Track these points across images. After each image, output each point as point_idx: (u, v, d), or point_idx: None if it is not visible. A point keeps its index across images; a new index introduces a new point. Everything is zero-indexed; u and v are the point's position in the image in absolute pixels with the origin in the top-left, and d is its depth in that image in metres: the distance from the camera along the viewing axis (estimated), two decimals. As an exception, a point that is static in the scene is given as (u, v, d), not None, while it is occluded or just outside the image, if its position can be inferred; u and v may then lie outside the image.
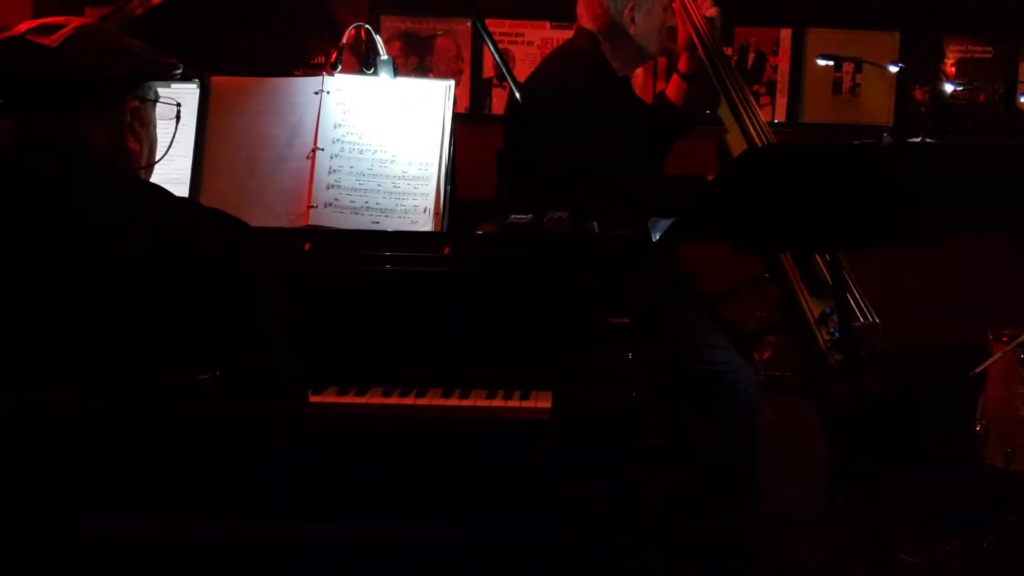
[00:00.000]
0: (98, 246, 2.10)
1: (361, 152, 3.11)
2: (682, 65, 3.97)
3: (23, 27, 2.20)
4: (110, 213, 2.15)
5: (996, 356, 4.26)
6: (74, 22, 2.22)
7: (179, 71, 2.41)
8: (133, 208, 2.18)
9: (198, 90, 3.11)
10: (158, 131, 2.45)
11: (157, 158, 2.46)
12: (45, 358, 2.04)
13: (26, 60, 2.17)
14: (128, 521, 2.07)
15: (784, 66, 5.61)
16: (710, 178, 3.59)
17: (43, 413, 2.00)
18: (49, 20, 2.22)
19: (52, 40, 2.16)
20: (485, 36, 3.41)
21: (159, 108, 2.43)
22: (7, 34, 2.21)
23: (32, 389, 2.00)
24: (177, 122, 2.57)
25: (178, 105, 2.58)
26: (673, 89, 4.04)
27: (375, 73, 3.30)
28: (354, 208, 3.07)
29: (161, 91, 2.42)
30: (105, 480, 2.04)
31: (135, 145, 2.31)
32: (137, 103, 2.31)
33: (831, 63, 5.45)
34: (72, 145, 2.19)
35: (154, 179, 2.46)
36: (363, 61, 3.41)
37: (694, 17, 3.88)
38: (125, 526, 2.07)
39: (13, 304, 2.05)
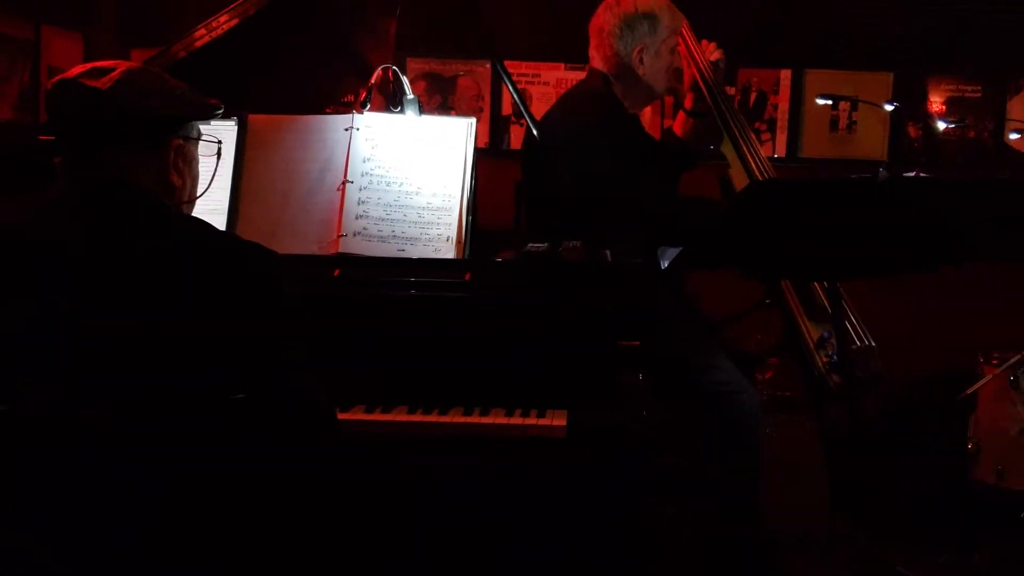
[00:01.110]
0: (141, 275, 2.10)
1: (388, 184, 3.12)
2: (688, 103, 3.98)
3: (76, 70, 2.20)
4: (153, 244, 2.15)
5: (987, 378, 4.26)
6: (123, 66, 2.22)
7: (220, 111, 2.41)
8: (174, 240, 2.19)
9: (236, 127, 3.13)
10: (200, 166, 2.47)
11: (199, 192, 2.46)
12: (89, 376, 2.05)
13: (78, 101, 2.17)
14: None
15: (784, 105, 5.63)
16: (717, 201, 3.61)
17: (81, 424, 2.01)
18: (100, 64, 2.22)
19: (102, 82, 2.16)
20: (504, 76, 3.43)
21: (202, 145, 2.45)
22: (61, 76, 2.22)
23: (81, 402, 2.01)
24: (218, 159, 2.59)
25: (219, 143, 2.60)
26: (680, 126, 4.05)
27: (402, 111, 3.31)
28: (381, 237, 3.09)
29: (203, 129, 2.44)
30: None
31: (178, 181, 2.31)
32: (181, 141, 2.31)
33: (829, 102, 5.48)
34: (119, 180, 2.19)
35: (196, 209, 2.47)
36: (390, 100, 3.43)
37: (698, 60, 3.90)
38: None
39: (63, 326, 2.06)
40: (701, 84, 3.89)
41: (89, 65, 2.23)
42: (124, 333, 2.06)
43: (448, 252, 3.08)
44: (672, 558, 3.59)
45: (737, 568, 3.67)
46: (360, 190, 3.11)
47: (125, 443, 2.01)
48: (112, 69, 2.20)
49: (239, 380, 2.14)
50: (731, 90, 4.93)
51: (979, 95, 5.62)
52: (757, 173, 3.81)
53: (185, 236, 2.22)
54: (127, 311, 2.07)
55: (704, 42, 3.92)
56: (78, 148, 2.22)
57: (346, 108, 3.47)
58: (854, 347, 3.70)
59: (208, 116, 2.40)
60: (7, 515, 2.03)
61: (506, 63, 3.50)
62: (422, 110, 3.32)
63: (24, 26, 4.81)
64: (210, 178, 2.51)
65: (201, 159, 2.45)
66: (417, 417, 2.81)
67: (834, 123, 5.65)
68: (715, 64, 3.89)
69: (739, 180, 3.84)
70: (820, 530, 4.67)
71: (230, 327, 2.14)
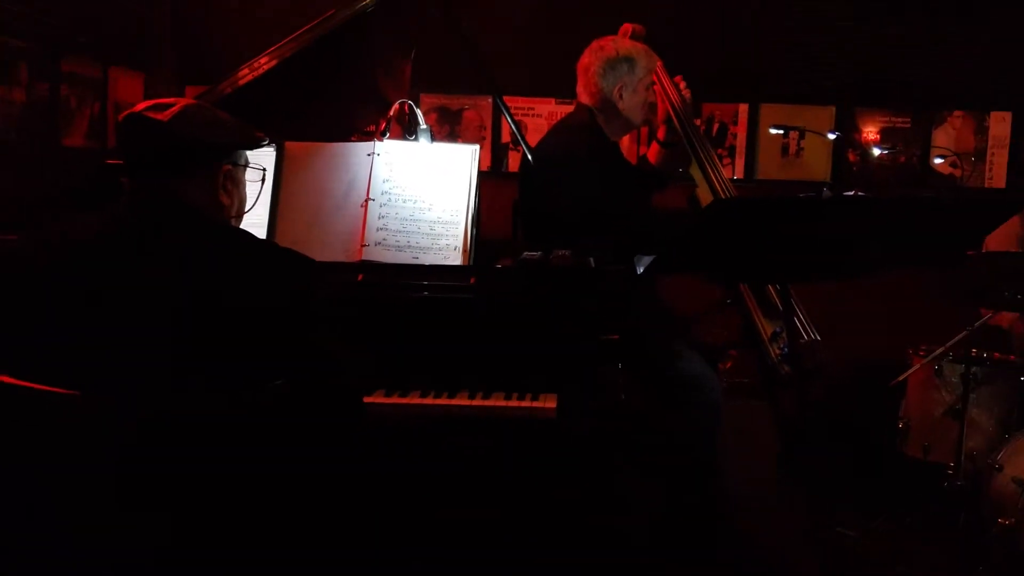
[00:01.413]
0: (192, 277, 2.10)
1: (404, 202, 3.12)
2: (660, 134, 3.99)
3: (141, 105, 2.22)
4: (205, 253, 2.16)
5: (915, 367, 4.26)
6: (181, 102, 2.23)
7: (265, 142, 2.42)
8: (223, 249, 2.19)
9: (274, 152, 3.13)
10: (248, 188, 2.47)
11: (246, 209, 2.47)
12: (149, 368, 2.04)
13: (143, 131, 2.19)
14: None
15: (742, 134, 5.62)
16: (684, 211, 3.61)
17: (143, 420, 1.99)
18: (162, 100, 2.24)
19: (164, 115, 2.18)
20: (504, 110, 3.43)
21: (249, 171, 2.45)
22: (129, 111, 2.23)
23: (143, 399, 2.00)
24: (263, 184, 2.59)
25: (263, 170, 2.61)
26: (653, 153, 4.06)
27: (416, 139, 3.31)
28: (398, 246, 3.08)
29: (250, 156, 2.44)
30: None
31: (227, 200, 2.32)
32: (230, 167, 2.32)
33: (781, 131, 5.47)
34: (175, 200, 2.20)
35: (242, 223, 2.48)
36: (406, 129, 3.42)
37: (671, 95, 3.90)
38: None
39: (122, 324, 2.05)
40: (673, 116, 3.90)
41: (153, 101, 2.25)
42: (181, 327, 2.05)
43: (455, 259, 3.08)
44: (642, 518, 3.58)
45: (698, 526, 3.67)
46: (380, 206, 3.11)
47: (184, 428, 1.99)
48: (172, 104, 2.22)
49: (280, 367, 2.13)
50: (697, 121, 4.91)
51: (908, 125, 5.61)
52: (720, 192, 3.81)
53: (233, 243, 2.23)
54: (183, 308, 2.06)
55: (677, 77, 3.93)
56: (143, 171, 2.23)
57: (368, 136, 3.47)
58: (802, 341, 3.71)
59: (254, 146, 2.41)
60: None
61: (505, 98, 3.49)
62: (433, 138, 3.32)
63: (94, 67, 4.81)
64: (255, 199, 2.51)
65: (248, 183, 2.46)
66: (429, 400, 2.82)
67: (785, 149, 5.64)
68: (684, 100, 3.90)
69: (705, 198, 3.85)
70: (771, 496, 4.67)
71: (273, 319, 2.13)
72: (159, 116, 2.18)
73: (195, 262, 2.13)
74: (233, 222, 2.39)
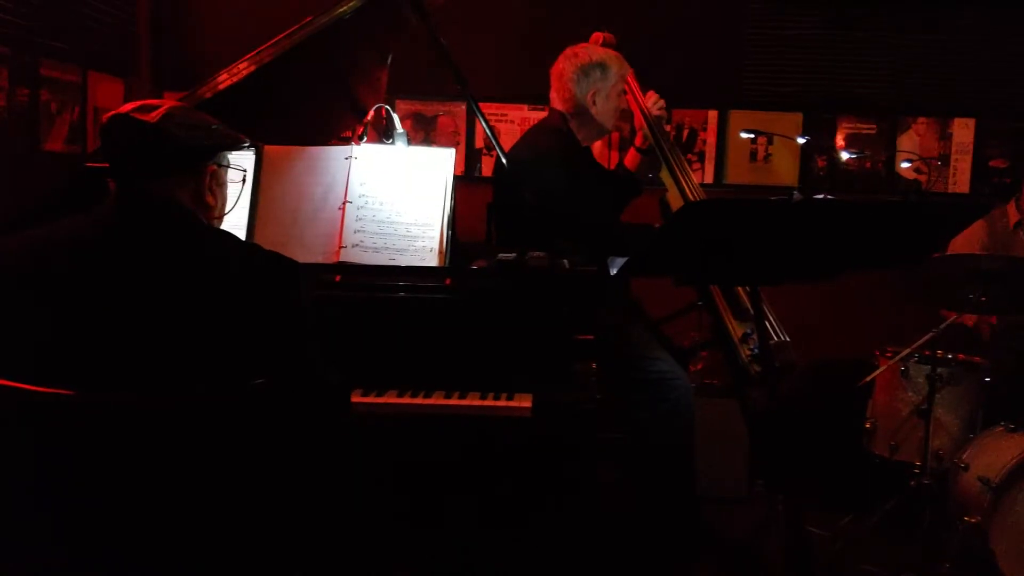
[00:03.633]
0: (181, 278, 2.10)
1: (381, 204, 3.12)
2: (638, 141, 4.02)
3: (128, 107, 2.21)
4: (192, 253, 2.16)
5: (882, 368, 4.29)
6: (168, 103, 2.23)
7: (247, 144, 2.42)
8: (210, 249, 2.19)
9: (253, 155, 3.12)
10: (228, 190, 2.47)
11: (227, 210, 2.46)
12: (135, 368, 2.04)
13: (130, 132, 2.18)
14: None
15: (711, 139, 5.65)
16: (657, 226, 3.62)
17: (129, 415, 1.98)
18: (149, 101, 2.23)
19: (151, 117, 2.17)
20: (479, 114, 3.42)
21: (229, 172, 2.45)
22: (116, 111, 2.22)
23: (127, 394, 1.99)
24: (243, 185, 2.59)
25: (244, 171, 2.60)
26: (630, 159, 4.09)
27: (393, 143, 3.32)
28: (375, 248, 3.08)
29: (230, 160, 2.44)
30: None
31: (212, 200, 2.31)
32: (215, 167, 2.32)
33: (752, 136, 5.51)
34: (162, 200, 2.20)
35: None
36: (383, 133, 3.43)
37: (642, 104, 3.93)
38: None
39: (112, 323, 2.05)
40: (644, 123, 3.92)
41: (139, 102, 2.24)
42: (166, 324, 2.05)
43: (432, 261, 3.08)
44: (615, 511, 3.60)
45: (668, 520, 3.69)
46: (358, 209, 3.11)
47: (162, 421, 1.98)
48: (159, 106, 2.21)
49: (265, 365, 2.12)
50: (668, 127, 4.93)
51: (873, 131, 5.66)
52: (690, 196, 3.84)
53: (219, 244, 2.23)
54: (169, 305, 2.06)
55: (650, 92, 3.96)
56: (129, 172, 2.21)
57: (346, 141, 3.46)
58: (772, 341, 3.73)
59: (238, 148, 2.41)
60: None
61: (478, 104, 3.50)
62: (410, 142, 3.32)
63: (74, 72, 4.79)
64: (235, 200, 2.51)
65: (228, 184, 2.45)
66: (406, 400, 2.82)
67: (753, 155, 5.68)
68: (656, 109, 3.93)
69: (675, 202, 3.88)
70: (742, 493, 4.70)
71: (259, 319, 2.14)
72: (146, 117, 2.17)
73: (183, 263, 2.13)
74: (216, 223, 2.38)
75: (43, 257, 2.11)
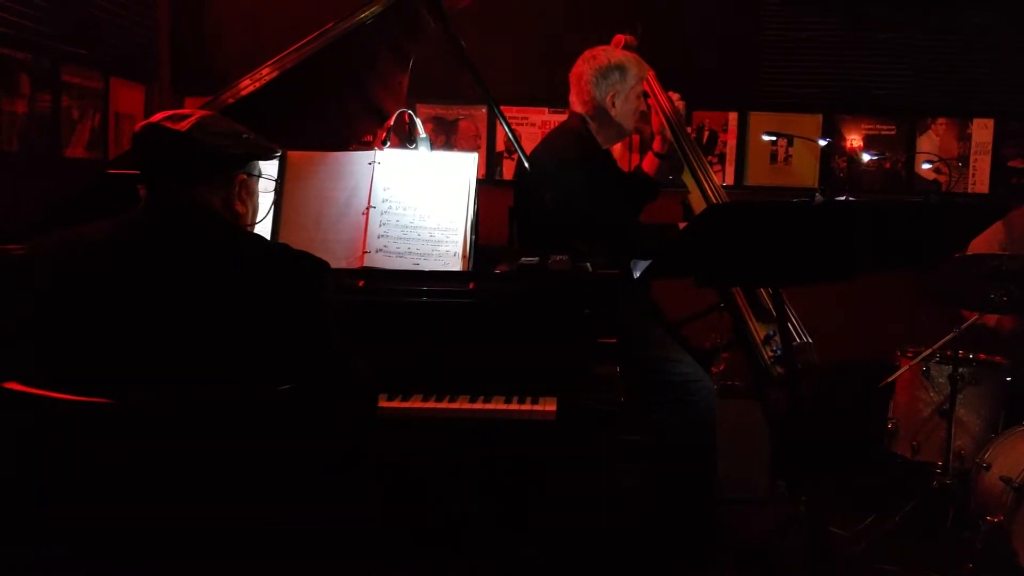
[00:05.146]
0: (213, 280, 2.10)
1: (405, 209, 3.12)
2: (656, 146, 4.03)
3: (159, 116, 2.22)
4: (223, 255, 2.16)
5: (903, 369, 4.27)
6: (198, 113, 2.23)
7: (278, 153, 2.42)
8: (240, 250, 2.20)
9: (277, 161, 3.13)
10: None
11: (258, 219, 2.47)
12: (170, 368, 2.04)
13: (161, 141, 2.19)
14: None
15: (732, 141, 5.65)
16: (681, 225, 3.62)
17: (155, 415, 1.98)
18: (180, 111, 2.24)
19: (182, 126, 2.18)
20: (500, 118, 3.41)
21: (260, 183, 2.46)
22: (148, 121, 2.23)
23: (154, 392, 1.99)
24: (275, 195, 2.59)
25: (277, 180, 2.60)
26: (648, 164, 4.10)
27: (416, 147, 3.32)
28: (399, 253, 3.08)
29: (261, 166, 2.44)
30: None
31: (242, 209, 2.31)
32: (245, 176, 2.32)
33: (772, 138, 5.50)
34: (191, 207, 2.20)
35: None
36: (406, 138, 3.44)
37: (664, 105, 3.93)
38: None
39: (147, 323, 2.05)
40: (665, 124, 3.93)
41: (169, 112, 2.24)
42: (200, 325, 2.05)
43: (455, 265, 3.08)
44: (635, 513, 3.60)
45: (689, 520, 3.69)
46: (381, 214, 3.11)
47: (197, 423, 1.98)
48: (190, 115, 2.22)
49: (297, 365, 2.12)
50: (688, 129, 4.93)
51: (893, 132, 5.64)
52: (713, 197, 3.84)
53: (249, 245, 2.24)
54: (202, 306, 2.06)
55: (671, 92, 3.97)
56: (159, 180, 2.21)
57: (369, 145, 3.47)
58: (795, 343, 3.72)
59: (268, 157, 2.42)
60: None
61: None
62: (432, 147, 3.33)
63: (95, 78, 4.81)
64: (267, 211, 2.51)
65: (259, 194, 2.46)
66: (431, 404, 2.82)
67: (773, 156, 5.66)
68: (676, 109, 3.93)
69: (697, 204, 3.87)
70: (763, 494, 4.69)
71: (290, 316, 2.14)
72: (177, 126, 2.18)
73: (214, 264, 2.13)
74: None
75: (79, 256, 2.12)
